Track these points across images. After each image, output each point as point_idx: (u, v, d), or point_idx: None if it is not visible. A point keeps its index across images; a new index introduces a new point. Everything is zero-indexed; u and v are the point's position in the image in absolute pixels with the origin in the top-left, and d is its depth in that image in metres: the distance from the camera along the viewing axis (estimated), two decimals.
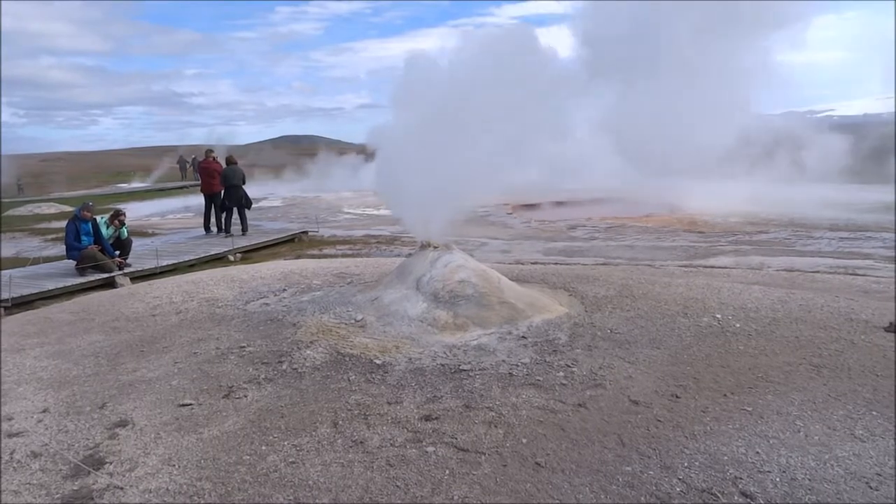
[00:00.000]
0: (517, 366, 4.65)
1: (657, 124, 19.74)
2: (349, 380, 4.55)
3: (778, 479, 3.14)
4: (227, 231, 13.77)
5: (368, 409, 4.08)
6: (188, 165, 38.06)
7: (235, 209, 13.89)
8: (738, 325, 5.25)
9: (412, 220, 6.93)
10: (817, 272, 8.77)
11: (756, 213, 15.55)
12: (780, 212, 15.62)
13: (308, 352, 5.02)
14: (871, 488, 3.05)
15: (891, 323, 5.06)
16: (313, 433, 3.82)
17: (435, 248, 6.31)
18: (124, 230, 10.76)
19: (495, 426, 3.80)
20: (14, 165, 39.64)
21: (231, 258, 11.87)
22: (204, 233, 14.39)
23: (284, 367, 4.82)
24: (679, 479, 3.19)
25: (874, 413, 3.77)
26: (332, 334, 5.34)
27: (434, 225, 6.56)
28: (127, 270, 10.12)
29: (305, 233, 14.71)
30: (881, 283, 7.65)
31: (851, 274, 8.61)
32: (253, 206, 14.47)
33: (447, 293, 5.74)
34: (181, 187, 33.31)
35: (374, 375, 4.60)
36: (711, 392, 4.12)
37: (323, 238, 14.61)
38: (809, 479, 3.13)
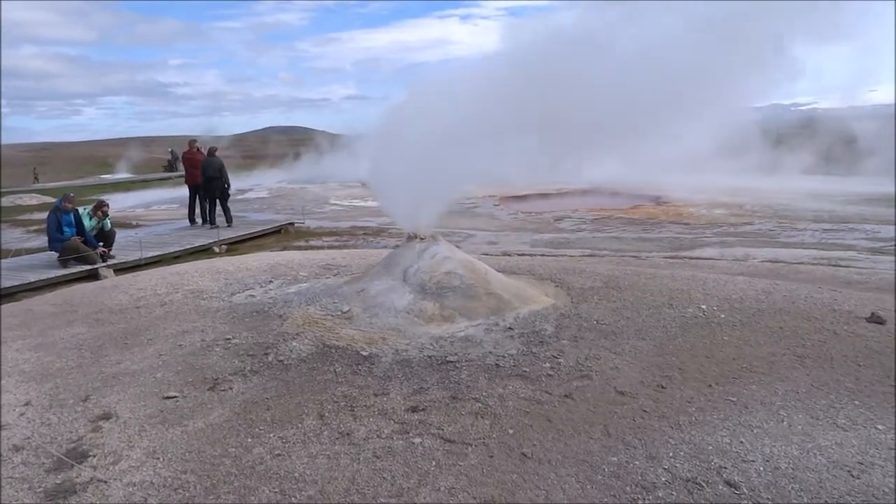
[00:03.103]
0: (504, 357, 4.65)
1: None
2: (335, 371, 4.53)
3: (762, 469, 3.17)
4: (213, 222, 13.66)
5: (355, 401, 4.07)
6: (171, 160, 37.61)
7: (218, 200, 13.78)
8: (722, 316, 5.29)
9: (402, 210, 6.88)
10: (801, 263, 8.86)
11: (741, 205, 15.67)
12: (764, 203, 15.75)
13: (294, 343, 4.99)
14: (852, 476, 3.08)
15: (872, 313, 5.11)
16: (299, 425, 3.80)
17: (422, 239, 6.30)
18: (107, 221, 10.66)
19: (482, 417, 3.80)
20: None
21: (216, 250, 11.78)
22: (189, 224, 14.28)
23: (270, 358, 4.79)
24: (664, 468, 3.21)
25: (856, 402, 3.81)
26: (318, 326, 5.31)
27: (429, 214, 6.50)
28: (110, 262, 10.02)
29: (292, 224, 14.64)
30: (863, 273, 7.75)
31: (834, 265, 8.70)
32: (230, 198, 14.22)
33: (434, 284, 5.73)
34: (165, 178, 33.01)
35: (360, 367, 4.59)
36: (696, 382, 4.15)
37: (309, 229, 14.55)
38: (792, 468, 3.16)
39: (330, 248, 11.62)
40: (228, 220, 13.85)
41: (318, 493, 3.13)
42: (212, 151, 13.87)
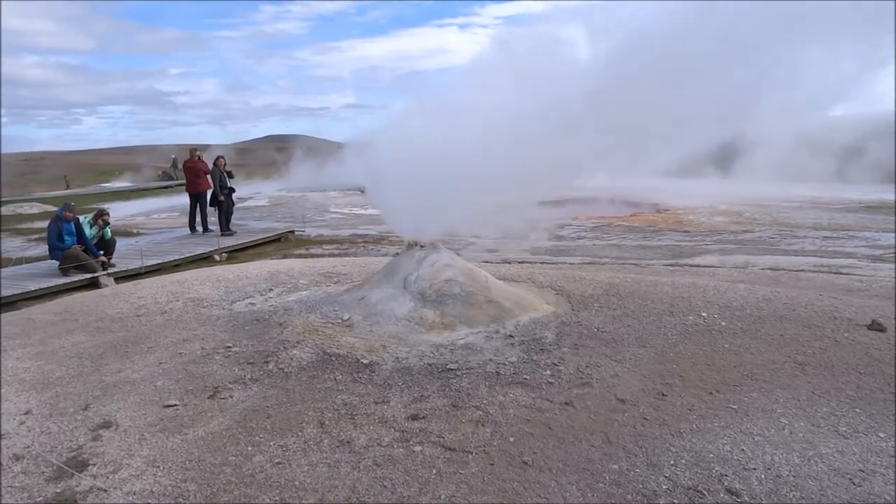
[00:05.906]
0: (504, 364, 4.65)
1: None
2: (336, 379, 4.53)
3: (763, 477, 3.16)
4: (226, 229, 13.77)
5: (355, 409, 4.07)
6: (171, 167, 37.66)
7: (216, 209, 13.84)
8: (723, 324, 5.28)
9: (404, 218, 6.83)
10: (801, 271, 8.86)
11: (740, 213, 15.68)
12: (763, 210, 15.76)
13: (294, 351, 4.99)
14: (854, 484, 3.08)
15: (873, 321, 5.11)
16: (300, 433, 3.80)
17: (422, 247, 6.30)
18: (108, 230, 10.66)
19: (482, 425, 3.80)
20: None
21: (217, 258, 11.79)
22: (189, 232, 14.30)
23: (271, 367, 4.79)
24: (665, 476, 3.21)
25: (857, 410, 3.81)
26: (318, 334, 5.31)
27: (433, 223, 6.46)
28: (111, 270, 10.02)
29: (292, 232, 14.64)
30: (864, 281, 7.75)
31: (835, 273, 8.70)
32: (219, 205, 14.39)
33: (434, 292, 5.73)
34: (165, 187, 33.05)
35: (360, 375, 4.58)
36: (697, 390, 4.15)
37: (310, 237, 14.55)
38: (794, 476, 3.15)
39: (330, 256, 11.63)
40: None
41: (318, 502, 3.13)
42: (217, 161, 13.93)
